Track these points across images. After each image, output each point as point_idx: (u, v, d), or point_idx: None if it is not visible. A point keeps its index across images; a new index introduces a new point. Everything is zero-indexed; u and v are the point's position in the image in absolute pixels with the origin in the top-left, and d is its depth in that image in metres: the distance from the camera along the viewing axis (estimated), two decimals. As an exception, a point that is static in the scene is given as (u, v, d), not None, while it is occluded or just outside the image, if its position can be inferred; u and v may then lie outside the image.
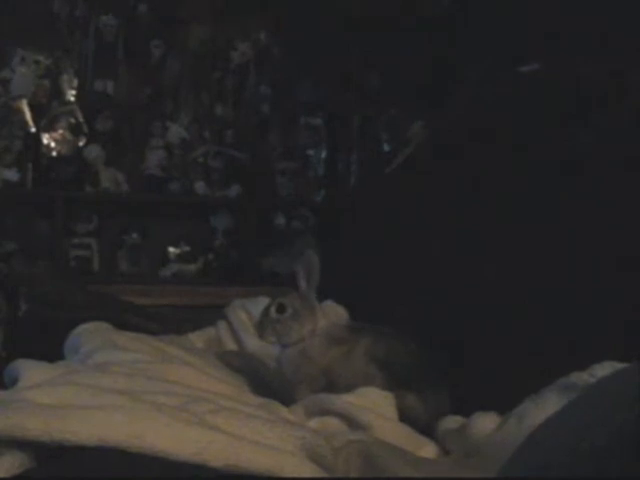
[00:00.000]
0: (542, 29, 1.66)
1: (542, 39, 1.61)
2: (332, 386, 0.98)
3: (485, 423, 0.86)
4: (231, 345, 1.28)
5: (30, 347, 1.12)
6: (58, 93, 2.57)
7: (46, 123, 2.51)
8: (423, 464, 0.80)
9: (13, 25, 2.49)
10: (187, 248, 2.71)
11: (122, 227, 2.67)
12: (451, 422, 0.93)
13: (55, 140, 2.52)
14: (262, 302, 1.14)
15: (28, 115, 2.49)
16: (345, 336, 1.01)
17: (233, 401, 0.82)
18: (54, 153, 2.52)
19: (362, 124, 2.85)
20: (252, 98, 2.81)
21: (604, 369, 0.76)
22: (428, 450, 0.90)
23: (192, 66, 2.78)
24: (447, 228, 1.23)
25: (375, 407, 0.92)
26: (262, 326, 1.01)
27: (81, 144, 2.56)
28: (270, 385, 1.07)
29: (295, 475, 0.67)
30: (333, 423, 0.89)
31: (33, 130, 2.50)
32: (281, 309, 1.00)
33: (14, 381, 0.85)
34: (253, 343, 1.21)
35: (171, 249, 2.70)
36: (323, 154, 2.86)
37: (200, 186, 2.70)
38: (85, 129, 2.57)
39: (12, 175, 2.46)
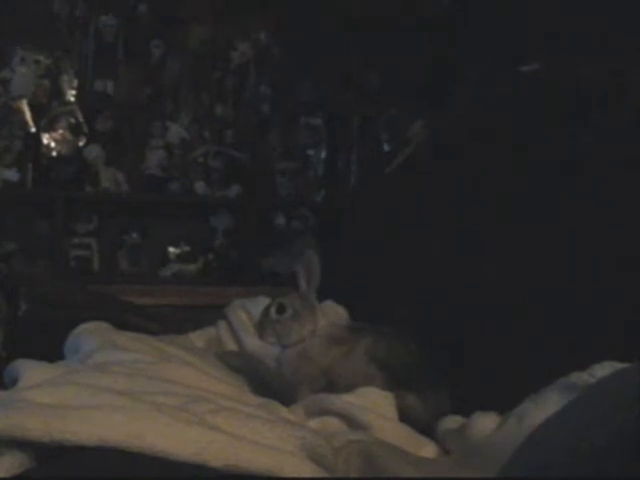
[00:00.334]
0: (542, 29, 1.66)
1: (542, 39, 1.60)
2: (332, 386, 0.98)
3: (485, 423, 0.86)
4: (231, 345, 1.27)
5: (30, 347, 1.12)
6: (58, 93, 2.57)
7: (46, 123, 2.51)
8: (423, 464, 0.80)
9: (13, 25, 2.49)
10: (187, 248, 2.71)
11: (122, 227, 2.67)
12: (451, 422, 0.93)
13: (55, 140, 2.52)
14: (262, 302, 1.14)
15: (28, 115, 2.49)
16: (345, 336, 1.01)
17: (233, 401, 0.82)
18: (54, 153, 2.52)
19: (362, 124, 2.84)
20: (252, 98, 2.81)
21: (604, 369, 0.76)
22: (428, 450, 0.90)
23: (192, 66, 2.78)
24: (447, 228, 1.23)
25: (375, 407, 0.92)
26: (262, 326, 1.01)
27: (81, 144, 2.56)
28: (270, 385, 1.07)
29: (295, 475, 0.67)
30: (333, 423, 0.89)
31: (33, 130, 2.50)
32: (281, 309, 1.00)
33: (14, 381, 0.85)
34: (253, 343, 1.21)
35: (171, 249, 2.70)
36: (323, 154, 2.86)
37: (200, 186, 2.70)
38: (85, 129, 2.57)
39: (12, 175, 2.46)
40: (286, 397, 0.96)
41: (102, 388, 0.76)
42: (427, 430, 0.94)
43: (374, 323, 1.04)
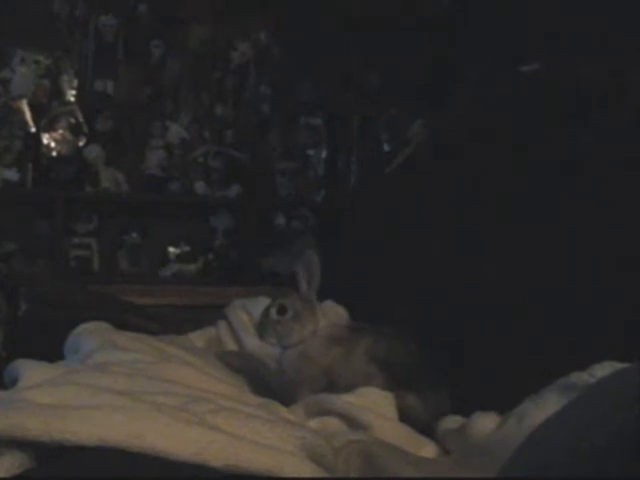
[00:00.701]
0: (542, 29, 1.66)
1: (542, 39, 1.60)
2: (332, 386, 0.98)
3: (485, 423, 0.86)
4: (231, 345, 1.27)
5: (30, 347, 1.12)
6: (58, 93, 2.57)
7: (46, 123, 2.51)
8: (423, 464, 0.80)
9: (13, 25, 2.49)
10: (187, 248, 2.71)
11: (122, 227, 2.67)
12: (451, 422, 0.93)
13: (55, 140, 2.52)
14: (262, 302, 1.14)
15: (28, 115, 2.49)
16: (345, 336, 1.01)
17: (233, 401, 0.82)
18: (54, 153, 2.52)
19: (362, 124, 2.84)
20: (252, 98, 2.81)
21: (604, 369, 0.76)
22: (428, 450, 0.90)
23: (192, 66, 2.78)
24: (447, 228, 1.23)
25: (375, 407, 0.92)
26: (263, 327, 1.01)
27: (81, 144, 2.56)
28: (270, 385, 1.07)
29: (295, 475, 0.67)
30: (333, 423, 0.89)
31: (33, 130, 2.50)
32: (282, 310, 1.00)
33: (14, 381, 0.85)
34: (253, 343, 1.21)
35: (171, 249, 2.70)
36: (323, 154, 2.86)
37: (200, 186, 2.70)
38: (85, 129, 2.57)
39: (12, 175, 2.46)
40: (286, 397, 0.96)
41: (102, 388, 0.76)
42: (427, 430, 0.94)
43: (374, 323, 1.04)
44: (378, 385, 0.96)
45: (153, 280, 2.64)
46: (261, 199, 2.77)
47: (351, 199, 2.48)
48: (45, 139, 2.51)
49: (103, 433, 0.65)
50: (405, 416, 0.94)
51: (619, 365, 0.71)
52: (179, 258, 2.70)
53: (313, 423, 0.88)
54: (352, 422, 0.88)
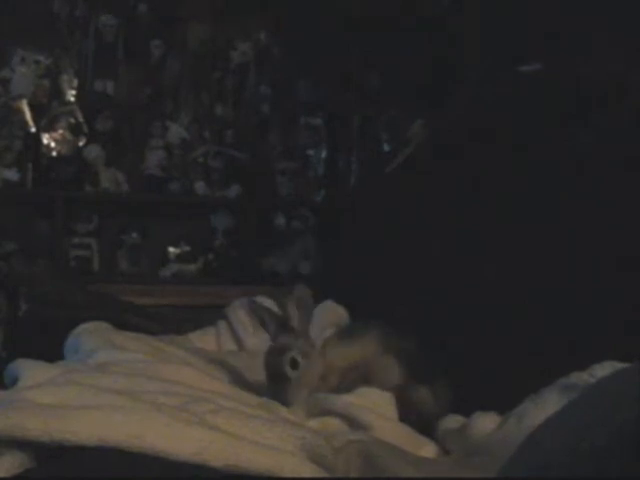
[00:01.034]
0: (542, 29, 1.66)
1: (542, 39, 1.61)
2: (349, 382, 0.97)
3: (485, 423, 0.86)
4: (231, 345, 1.27)
5: (30, 347, 1.12)
6: (58, 93, 2.57)
7: (46, 123, 2.51)
8: (423, 464, 0.80)
9: (13, 25, 2.49)
10: (187, 248, 2.71)
11: (122, 227, 2.67)
12: (451, 422, 0.93)
13: (55, 140, 2.52)
14: (262, 302, 1.14)
15: (28, 115, 2.49)
16: (353, 333, 1.01)
17: (233, 401, 0.82)
18: (54, 153, 2.52)
19: (362, 124, 2.84)
20: (252, 98, 2.81)
21: (604, 369, 0.76)
22: (428, 450, 0.90)
23: (192, 66, 2.78)
24: (447, 228, 1.23)
25: (375, 407, 0.92)
26: (284, 391, 0.93)
27: (81, 144, 2.56)
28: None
29: (295, 475, 0.67)
30: (333, 423, 0.88)
31: (33, 130, 2.50)
32: (295, 364, 0.94)
33: (14, 381, 0.85)
34: (253, 343, 1.21)
35: (171, 249, 2.70)
36: (323, 154, 2.86)
37: (200, 186, 2.70)
38: (85, 129, 2.57)
39: (12, 175, 2.46)
40: (286, 397, 0.96)
41: (102, 388, 0.76)
42: (433, 425, 0.93)
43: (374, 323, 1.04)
44: (397, 376, 0.96)
45: (153, 280, 2.64)
46: (261, 199, 2.77)
47: (351, 199, 2.48)
48: (45, 139, 2.51)
49: (103, 433, 0.65)
50: (415, 409, 0.94)
51: (619, 365, 0.71)
52: (179, 258, 2.70)
53: (313, 423, 0.88)
54: (352, 422, 0.88)
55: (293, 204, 2.80)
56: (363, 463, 0.73)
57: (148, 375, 0.87)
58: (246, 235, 2.73)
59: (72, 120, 2.54)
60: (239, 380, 1.06)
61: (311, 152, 2.85)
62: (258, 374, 1.10)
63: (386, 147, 2.79)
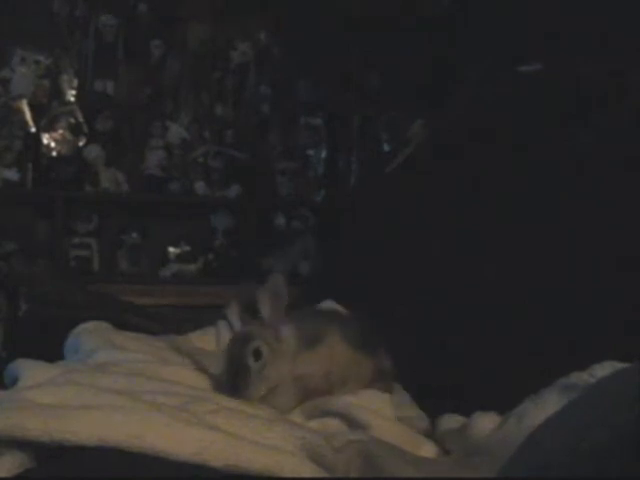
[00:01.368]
0: (542, 29, 1.66)
1: (542, 39, 1.60)
2: (332, 387, 0.96)
3: (485, 423, 0.86)
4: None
5: (30, 347, 1.12)
6: (58, 93, 2.57)
7: (46, 123, 2.51)
8: (423, 464, 0.80)
9: (13, 25, 2.49)
10: (187, 248, 2.71)
11: (122, 227, 2.67)
12: (451, 422, 0.93)
13: (55, 140, 2.52)
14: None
15: (28, 115, 2.49)
16: (315, 335, 0.95)
17: (233, 401, 0.82)
18: (54, 153, 2.52)
19: (362, 124, 2.84)
20: (252, 98, 2.81)
21: (604, 369, 0.76)
22: (428, 450, 0.90)
23: (192, 66, 2.78)
24: (447, 228, 1.23)
25: (374, 407, 0.92)
26: (245, 382, 0.85)
27: (81, 144, 2.56)
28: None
29: (295, 475, 0.67)
30: (333, 423, 0.88)
31: (33, 130, 2.50)
32: (258, 355, 0.87)
33: (14, 381, 0.85)
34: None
35: (171, 249, 2.70)
36: (323, 154, 2.86)
37: (200, 186, 2.70)
38: (85, 129, 2.57)
39: (12, 175, 2.46)
40: (246, 390, 0.93)
41: (102, 388, 0.76)
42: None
43: (374, 323, 1.04)
44: (370, 370, 0.97)
45: (153, 280, 2.64)
46: (261, 199, 2.77)
47: (351, 199, 2.48)
48: (45, 139, 2.51)
49: (103, 433, 0.65)
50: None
51: (619, 365, 0.71)
52: (179, 258, 2.70)
53: (313, 423, 0.88)
54: (352, 422, 0.88)
55: (293, 204, 2.80)
56: (363, 463, 0.73)
57: (148, 375, 0.87)
58: (246, 235, 2.73)
59: (72, 120, 2.54)
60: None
61: (311, 152, 2.85)
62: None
63: (386, 147, 2.79)
